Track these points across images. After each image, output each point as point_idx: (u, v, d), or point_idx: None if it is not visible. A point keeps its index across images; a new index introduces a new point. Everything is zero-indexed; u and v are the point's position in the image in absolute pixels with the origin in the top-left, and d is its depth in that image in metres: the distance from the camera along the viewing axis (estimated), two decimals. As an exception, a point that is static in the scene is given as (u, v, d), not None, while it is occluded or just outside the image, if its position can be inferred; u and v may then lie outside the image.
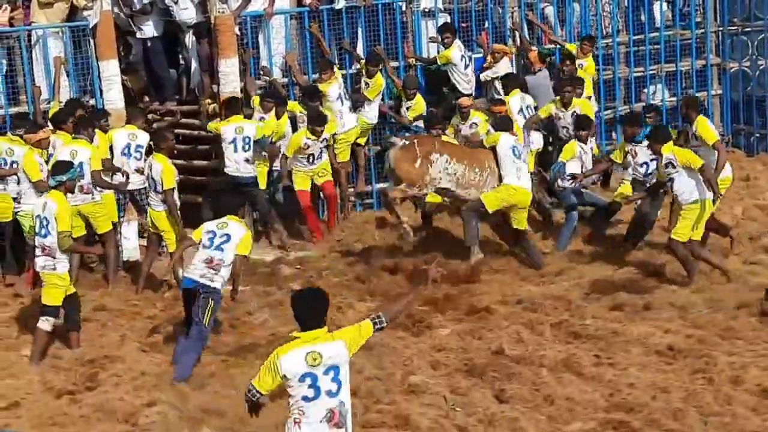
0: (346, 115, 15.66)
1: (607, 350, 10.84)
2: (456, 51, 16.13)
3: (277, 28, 15.98)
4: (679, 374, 10.18)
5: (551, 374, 10.17)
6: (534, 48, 16.89)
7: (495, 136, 13.69)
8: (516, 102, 15.75)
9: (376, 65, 15.81)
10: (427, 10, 16.84)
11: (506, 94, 15.91)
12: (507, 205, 13.39)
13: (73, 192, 11.53)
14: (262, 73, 15.94)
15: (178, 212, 12.96)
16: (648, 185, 13.67)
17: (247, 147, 14.44)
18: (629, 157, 14.12)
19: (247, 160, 14.48)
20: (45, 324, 11.16)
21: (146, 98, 15.99)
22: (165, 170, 12.80)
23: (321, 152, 15.09)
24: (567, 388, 9.89)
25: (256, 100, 15.31)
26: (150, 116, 15.55)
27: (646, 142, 13.48)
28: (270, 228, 15.22)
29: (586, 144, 14.57)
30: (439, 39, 16.29)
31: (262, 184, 15.02)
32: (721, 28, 18.48)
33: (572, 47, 16.60)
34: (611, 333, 11.25)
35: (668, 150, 12.44)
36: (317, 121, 14.82)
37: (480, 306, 12.17)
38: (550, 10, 17.36)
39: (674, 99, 17.89)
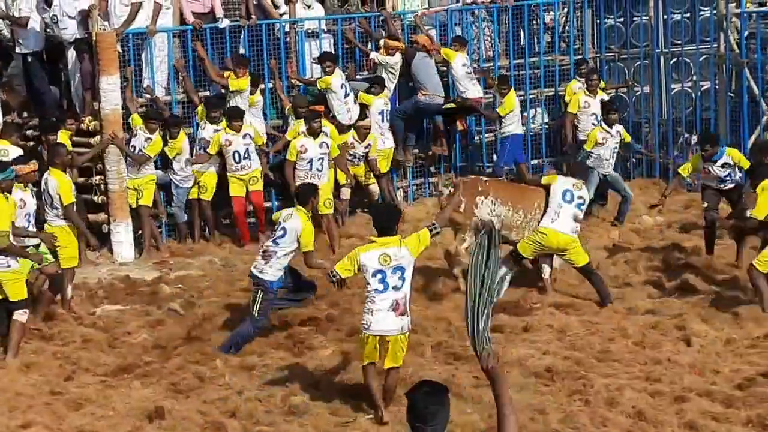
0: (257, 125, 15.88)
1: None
2: (337, 79, 16.14)
3: (160, 45, 15.85)
4: (557, 396, 10.31)
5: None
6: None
7: (551, 177, 13.49)
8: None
9: (254, 84, 15.83)
10: (310, 30, 16.88)
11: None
12: (544, 251, 13.04)
13: (10, 192, 11.45)
14: (144, 91, 15.79)
15: (84, 227, 12.89)
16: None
17: None
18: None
19: None
20: (22, 316, 11.34)
21: (25, 114, 15.72)
22: (61, 185, 12.57)
23: (248, 154, 15.07)
24: (447, 410, 9.93)
25: (135, 119, 15.16)
26: (29, 132, 15.33)
27: (721, 161, 14.04)
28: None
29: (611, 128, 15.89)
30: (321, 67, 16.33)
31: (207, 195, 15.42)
32: (598, 55, 18.88)
33: (448, 52, 16.91)
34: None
35: None
36: (234, 115, 15.11)
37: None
38: (433, 33, 17.54)
39: (553, 123, 18.20)
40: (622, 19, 18.82)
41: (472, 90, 17.04)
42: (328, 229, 15.14)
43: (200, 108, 15.73)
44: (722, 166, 14.18)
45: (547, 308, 12.68)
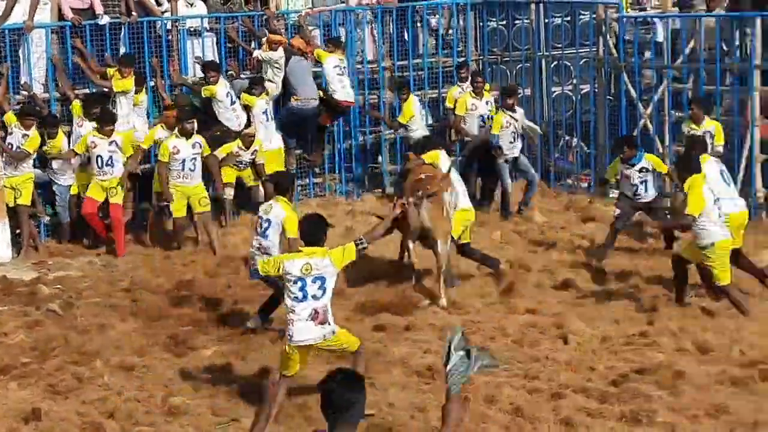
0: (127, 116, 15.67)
1: (368, 370, 10.96)
2: (222, 88, 16.03)
3: (37, 41, 15.60)
4: (438, 394, 10.37)
5: (313, 395, 10.21)
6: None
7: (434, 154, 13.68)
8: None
9: (139, 83, 15.66)
10: (192, 29, 16.76)
11: None
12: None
13: None
14: (21, 87, 15.52)
15: None
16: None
17: None
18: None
19: None
20: None
21: None
22: None
23: (112, 162, 14.82)
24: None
25: (9, 117, 14.88)
26: None
27: (639, 165, 14.28)
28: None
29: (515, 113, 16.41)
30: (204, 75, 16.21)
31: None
32: (481, 57, 19.09)
33: (320, 53, 16.94)
34: (373, 353, 11.39)
35: None
36: (105, 119, 14.85)
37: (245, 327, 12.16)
38: (316, 33, 17.56)
39: (437, 124, 18.34)
40: (504, 23, 19.07)
41: (341, 92, 16.98)
42: (206, 228, 15.06)
43: (76, 104, 15.45)
44: (640, 170, 14.37)
45: (430, 307, 12.78)
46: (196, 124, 15.19)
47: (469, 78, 17.44)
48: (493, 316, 12.45)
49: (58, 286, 13.79)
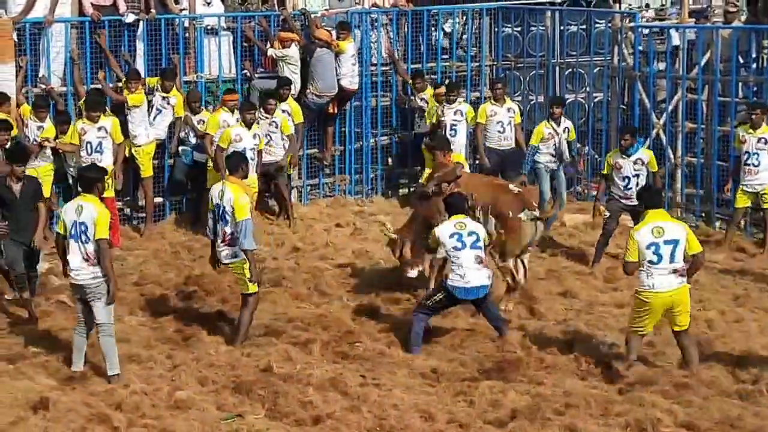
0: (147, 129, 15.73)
1: (373, 371, 11.04)
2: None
3: (57, 36, 15.68)
4: (442, 396, 10.45)
5: (318, 393, 10.29)
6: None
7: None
8: None
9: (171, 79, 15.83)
10: (210, 27, 16.83)
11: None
12: None
13: None
14: (39, 81, 15.59)
15: None
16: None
17: None
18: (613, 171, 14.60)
19: None
20: None
21: None
22: None
23: (101, 148, 14.82)
24: (333, 407, 10.02)
25: (25, 108, 14.93)
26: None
27: (634, 156, 14.24)
28: None
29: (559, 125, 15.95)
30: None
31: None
32: (495, 63, 19.12)
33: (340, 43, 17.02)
34: (378, 354, 11.47)
35: None
36: (91, 105, 14.87)
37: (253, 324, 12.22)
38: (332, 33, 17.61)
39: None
40: (519, 29, 19.08)
41: (348, 79, 17.15)
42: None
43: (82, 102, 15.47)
44: (635, 162, 14.46)
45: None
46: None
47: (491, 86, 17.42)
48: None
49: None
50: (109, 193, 14.75)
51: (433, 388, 10.66)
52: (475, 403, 10.22)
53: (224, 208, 11.45)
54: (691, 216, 16.82)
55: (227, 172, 11.89)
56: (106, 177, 14.38)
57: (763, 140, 14.83)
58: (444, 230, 11.68)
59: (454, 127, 16.71)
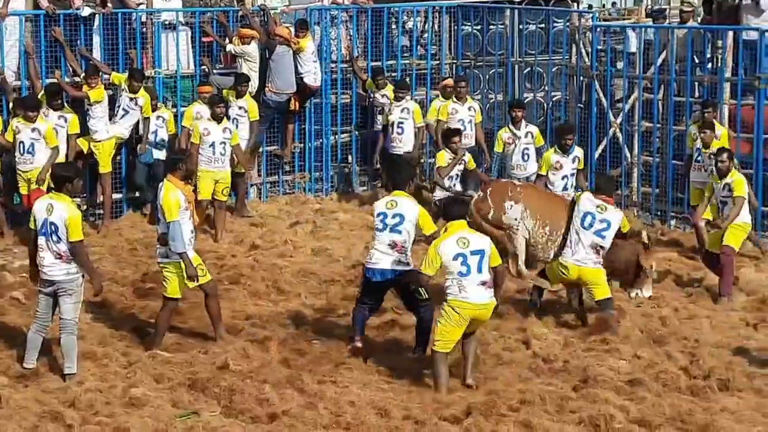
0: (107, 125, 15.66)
1: (330, 368, 11.04)
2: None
3: (11, 29, 15.56)
4: (398, 393, 10.46)
5: (274, 390, 10.27)
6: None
7: (579, 194, 12.72)
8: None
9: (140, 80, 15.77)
10: (167, 22, 16.76)
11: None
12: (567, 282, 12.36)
13: None
14: (-6, 74, 15.50)
15: None
16: None
17: None
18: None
19: None
20: None
21: None
22: None
23: (33, 149, 14.65)
24: (289, 404, 10.01)
25: None
26: None
27: (573, 155, 14.44)
28: None
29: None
30: None
31: None
32: (455, 61, 19.16)
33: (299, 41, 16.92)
34: (335, 351, 11.46)
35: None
36: (27, 105, 14.72)
37: (207, 322, 12.18)
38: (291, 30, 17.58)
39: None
40: (479, 27, 19.13)
41: (311, 76, 17.19)
42: (219, 216, 15.58)
43: (41, 95, 15.39)
44: (573, 160, 14.67)
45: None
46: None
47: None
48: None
49: (23, 274, 13.74)
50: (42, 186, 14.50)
51: (389, 385, 10.66)
52: (430, 400, 10.24)
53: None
54: (646, 215, 16.94)
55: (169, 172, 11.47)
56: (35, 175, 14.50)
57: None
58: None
59: (401, 125, 16.74)
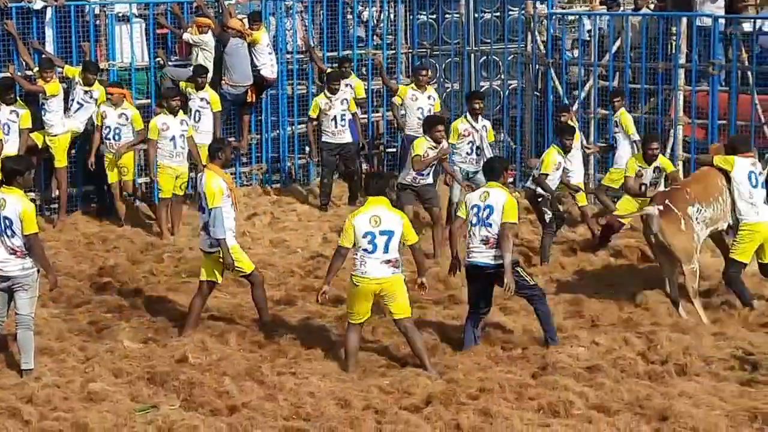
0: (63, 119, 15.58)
1: (289, 360, 11.03)
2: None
3: (-38, 22, 15.44)
4: (358, 383, 10.46)
5: (234, 382, 10.25)
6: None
7: (726, 158, 12.39)
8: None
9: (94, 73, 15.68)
10: (121, 14, 16.64)
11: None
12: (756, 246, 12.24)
13: None
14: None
15: None
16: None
17: None
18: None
19: None
20: None
21: None
22: None
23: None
24: (249, 396, 9.99)
25: None
26: None
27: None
28: None
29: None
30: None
31: None
32: (411, 51, 19.16)
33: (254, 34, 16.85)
34: (294, 343, 11.45)
35: None
36: None
37: (168, 315, 12.14)
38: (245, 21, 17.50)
39: (365, 117, 18.35)
40: (434, 16, 19.14)
41: (268, 69, 17.10)
42: (175, 211, 15.51)
43: None
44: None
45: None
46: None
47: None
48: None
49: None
50: None
51: (348, 376, 10.66)
52: (390, 389, 10.25)
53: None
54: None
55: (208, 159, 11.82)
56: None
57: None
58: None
59: (343, 117, 16.70)
